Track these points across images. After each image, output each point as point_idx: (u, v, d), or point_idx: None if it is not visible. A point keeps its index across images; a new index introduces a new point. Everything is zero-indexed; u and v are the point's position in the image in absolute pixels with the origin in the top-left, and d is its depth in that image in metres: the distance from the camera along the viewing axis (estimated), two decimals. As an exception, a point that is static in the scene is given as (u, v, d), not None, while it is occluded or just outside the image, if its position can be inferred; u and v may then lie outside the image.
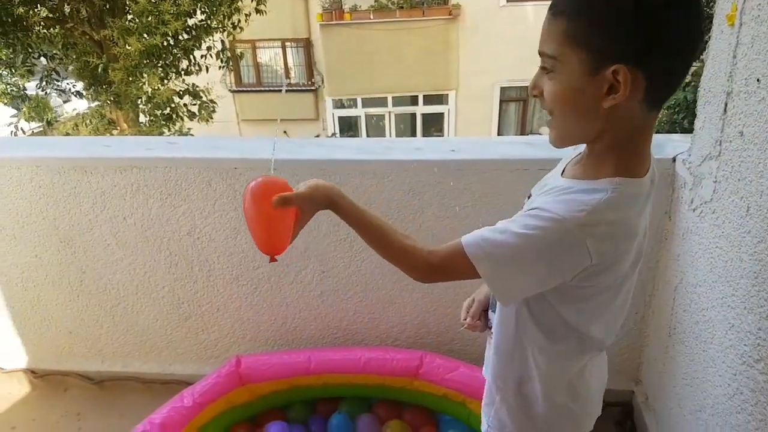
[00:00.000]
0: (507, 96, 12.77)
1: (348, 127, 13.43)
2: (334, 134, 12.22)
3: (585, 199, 0.82)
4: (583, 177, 0.87)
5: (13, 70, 7.63)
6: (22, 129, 8.55)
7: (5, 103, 7.64)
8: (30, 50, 7.52)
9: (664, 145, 1.93)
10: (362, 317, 2.14)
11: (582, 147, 0.93)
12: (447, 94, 12.84)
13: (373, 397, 2.05)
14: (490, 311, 1.14)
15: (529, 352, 0.99)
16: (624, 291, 0.94)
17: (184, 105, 8.59)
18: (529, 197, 1.04)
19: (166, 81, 8.01)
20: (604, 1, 0.77)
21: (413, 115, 13.29)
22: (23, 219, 2.05)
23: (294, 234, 1.04)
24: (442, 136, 13.21)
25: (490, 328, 1.12)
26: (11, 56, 7.37)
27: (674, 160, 1.76)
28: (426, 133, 13.36)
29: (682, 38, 0.76)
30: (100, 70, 7.48)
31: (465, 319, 1.19)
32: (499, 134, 12.74)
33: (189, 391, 1.85)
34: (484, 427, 1.15)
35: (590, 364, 1.03)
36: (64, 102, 9.72)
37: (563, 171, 0.95)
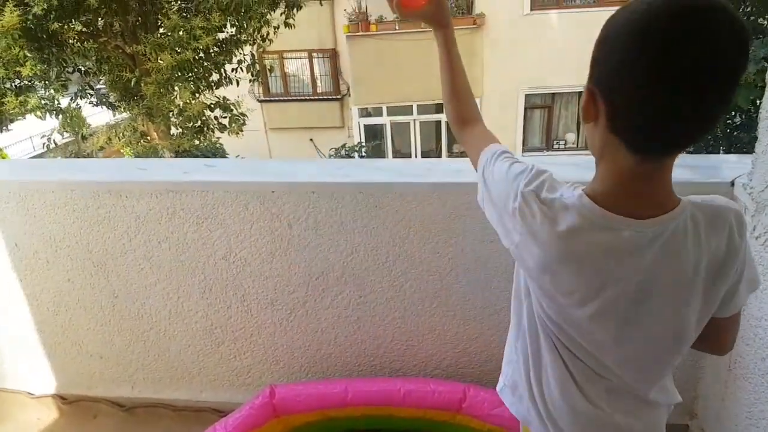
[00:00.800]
0: (531, 103, 12.67)
1: (373, 136, 13.42)
2: (360, 143, 12.20)
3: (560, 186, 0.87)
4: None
5: (48, 84, 7.77)
6: (54, 141, 8.71)
7: (39, 117, 7.78)
8: (64, 64, 7.66)
9: (719, 167, 1.82)
10: (400, 344, 2.05)
11: None
12: (473, 102, 12.73)
13: (413, 430, 1.96)
14: None
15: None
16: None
17: (215, 118, 8.67)
18: None
19: (197, 94, 8.09)
20: (605, 24, 0.78)
21: (438, 123, 13.23)
22: (56, 243, 2.02)
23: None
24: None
25: None
26: (46, 70, 7.51)
27: (732, 184, 1.65)
28: (450, 140, 13.28)
29: (641, 79, 0.71)
30: (132, 83, 7.58)
31: None
32: (523, 141, 12.60)
33: (221, 424, 1.79)
34: (499, 385, 1.12)
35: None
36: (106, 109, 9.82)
37: None
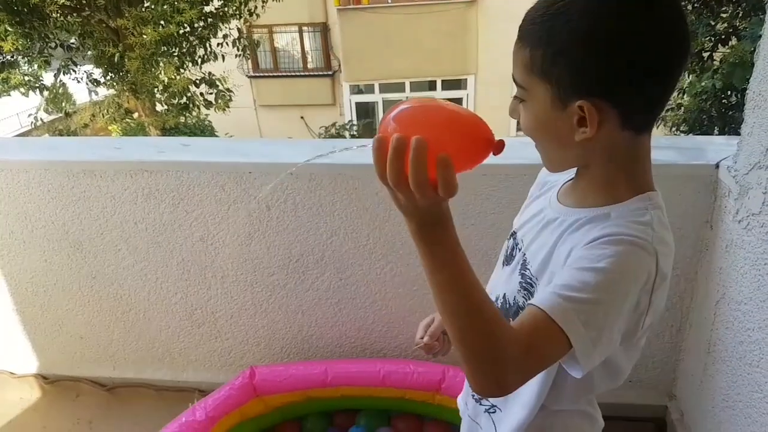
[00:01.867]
0: (527, 81, 12.60)
1: (365, 114, 13.31)
2: (351, 122, 12.10)
3: (637, 220, 0.74)
4: (596, 204, 0.78)
5: (31, 60, 7.61)
6: (41, 119, 8.58)
7: (23, 94, 7.64)
8: (47, 39, 7.50)
9: (705, 148, 1.80)
10: (381, 327, 2.05)
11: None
12: (466, 79, 12.66)
13: (393, 410, 1.97)
14: None
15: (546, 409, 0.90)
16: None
17: (201, 94, 8.54)
18: (514, 236, 0.95)
19: (182, 70, 7.96)
20: (566, 30, 0.69)
21: (431, 101, 13.14)
22: (32, 223, 1.99)
23: None
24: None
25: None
26: (28, 46, 7.36)
27: (717, 166, 1.64)
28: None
29: (654, 63, 0.69)
30: (116, 58, 7.44)
31: (422, 338, 1.08)
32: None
33: (201, 405, 1.79)
34: None
35: None
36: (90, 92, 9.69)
37: (557, 197, 0.88)
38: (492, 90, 12.10)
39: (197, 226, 1.93)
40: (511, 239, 0.95)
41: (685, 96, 5.77)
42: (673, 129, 6.05)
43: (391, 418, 1.98)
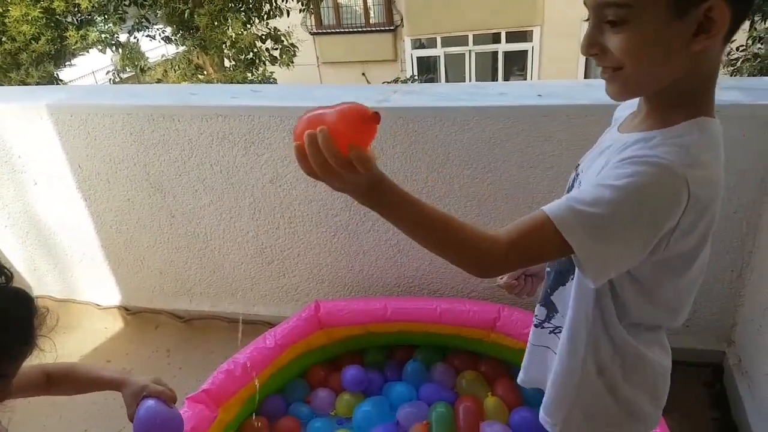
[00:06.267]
0: (595, 32, 11.98)
1: (427, 69, 13.12)
2: (413, 77, 11.97)
3: (678, 141, 0.74)
4: (647, 129, 0.80)
5: (106, 17, 7.94)
6: (119, 75, 8.98)
7: (100, 50, 8.02)
8: (121, -3, 7.79)
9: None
10: (438, 267, 2.12)
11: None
12: (531, 31, 12.18)
13: (449, 347, 2.06)
14: (547, 277, 1.03)
15: (608, 332, 0.91)
16: (700, 261, 0.84)
17: (266, 50, 8.68)
18: (577, 168, 0.95)
19: (248, 25, 8.09)
20: None
21: (495, 54, 12.77)
22: (116, 165, 2.16)
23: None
24: (525, 75, 12.64)
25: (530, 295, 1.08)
26: (104, 3, 7.66)
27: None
28: (507, 73, 12.82)
29: None
30: (186, 15, 7.65)
31: (502, 277, 1.12)
32: (585, 73, 12.02)
33: (271, 333, 1.93)
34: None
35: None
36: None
37: (617, 128, 0.88)
38: (558, 42, 11.63)
39: (267, 169, 2.04)
40: (574, 171, 0.97)
41: (762, 44, 5.42)
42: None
43: (447, 354, 2.06)
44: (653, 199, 0.72)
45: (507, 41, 12.49)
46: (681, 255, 0.81)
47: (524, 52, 12.52)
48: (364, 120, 0.69)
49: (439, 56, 12.94)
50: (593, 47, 0.76)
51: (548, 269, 1.02)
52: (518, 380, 1.19)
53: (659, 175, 0.72)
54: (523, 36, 12.36)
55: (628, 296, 0.87)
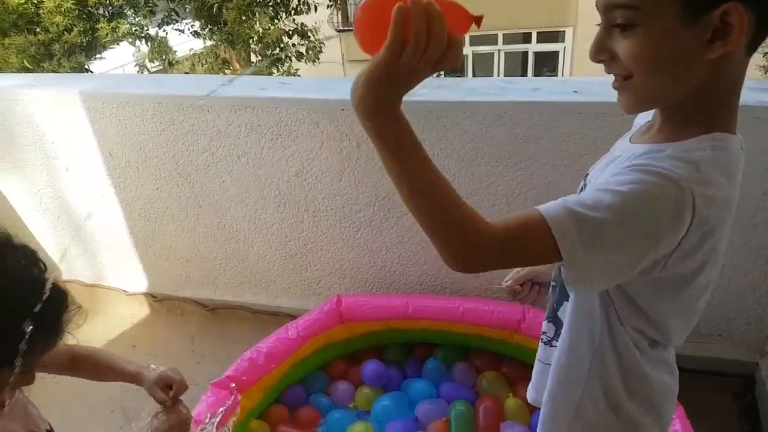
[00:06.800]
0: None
1: (454, 69, 13.03)
2: (439, 76, 11.91)
3: (686, 156, 0.69)
4: (659, 141, 0.75)
5: (136, 10, 8.06)
6: (147, 68, 9.12)
7: (130, 43, 8.15)
8: (151, -10, 7.90)
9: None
10: (463, 266, 2.09)
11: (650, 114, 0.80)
12: (563, 31, 12.02)
13: (471, 346, 2.04)
14: (552, 292, 0.99)
15: (615, 347, 0.86)
16: (699, 282, 0.78)
17: (293, 45, 8.72)
18: (586, 177, 0.91)
19: (276, 20, 8.14)
20: None
21: (525, 54, 12.63)
22: (146, 153, 2.18)
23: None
24: (555, 76, 12.48)
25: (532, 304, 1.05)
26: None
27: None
28: (537, 74, 12.68)
29: None
30: (215, 9, 7.73)
31: (507, 280, 1.08)
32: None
33: (293, 324, 1.94)
34: None
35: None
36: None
37: (630, 138, 0.84)
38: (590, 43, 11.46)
39: (293, 162, 2.04)
40: (582, 181, 0.93)
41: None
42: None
43: (469, 354, 2.04)
44: (654, 211, 0.67)
45: (538, 41, 12.35)
46: (677, 276, 0.76)
47: (555, 53, 12.36)
48: (467, 17, 0.64)
49: (467, 55, 12.85)
50: (602, 53, 0.72)
51: (553, 283, 0.98)
52: (528, 398, 1.13)
53: (664, 186, 0.66)
54: (555, 36, 12.22)
55: (624, 311, 0.82)
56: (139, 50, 8.90)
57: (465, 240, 0.69)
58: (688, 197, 0.66)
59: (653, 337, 0.85)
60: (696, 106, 0.72)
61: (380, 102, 0.65)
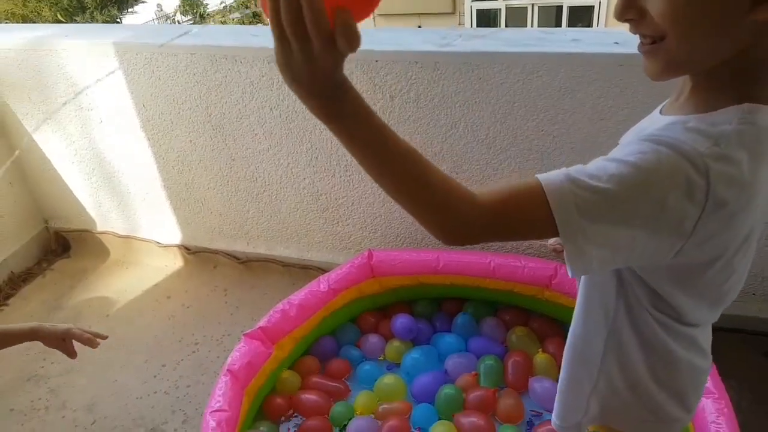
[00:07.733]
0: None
1: (486, 22, 12.67)
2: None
3: (708, 129, 0.62)
4: (684, 112, 0.68)
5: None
6: (178, 21, 9.10)
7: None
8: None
9: None
10: (495, 222, 2.07)
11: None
12: (600, -15, 11.54)
13: (500, 302, 2.04)
14: None
15: (634, 325, 0.81)
16: (734, 268, 0.72)
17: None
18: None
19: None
20: None
21: (559, 9, 12.19)
22: (179, 105, 2.19)
23: None
24: (591, 33, 12.05)
25: None
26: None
27: None
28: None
29: None
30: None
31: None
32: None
33: (325, 278, 1.96)
34: None
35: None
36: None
37: (660, 109, 0.78)
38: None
39: (325, 114, 2.02)
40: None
41: None
42: None
43: (498, 309, 2.05)
44: (662, 185, 0.60)
45: (573, -6, 11.90)
46: (692, 264, 0.69)
47: (591, 8, 11.89)
48: None
49: (500, 9, 12.46)
50: (629, 10, 0.64)
51: None
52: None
53: (676, 159, 0.60)
54: (591, -13, 11.74)
55: (639, 291, 0.77)
56: (161, 9, 8.86)
57: (450, 220, 0.64)
58: (701, 174, 0.59)
59: (675, 317, 0.78)
60: (731, 72, 0.64)
61: (319, 104, 0.58)
